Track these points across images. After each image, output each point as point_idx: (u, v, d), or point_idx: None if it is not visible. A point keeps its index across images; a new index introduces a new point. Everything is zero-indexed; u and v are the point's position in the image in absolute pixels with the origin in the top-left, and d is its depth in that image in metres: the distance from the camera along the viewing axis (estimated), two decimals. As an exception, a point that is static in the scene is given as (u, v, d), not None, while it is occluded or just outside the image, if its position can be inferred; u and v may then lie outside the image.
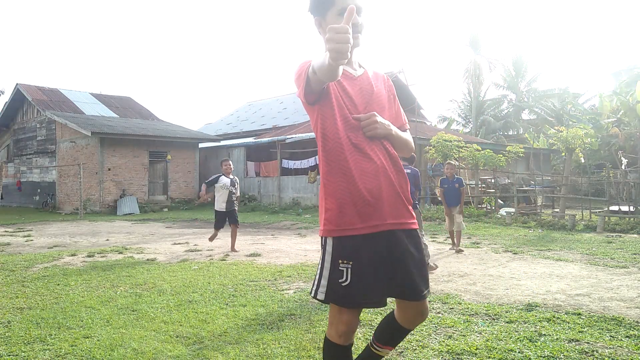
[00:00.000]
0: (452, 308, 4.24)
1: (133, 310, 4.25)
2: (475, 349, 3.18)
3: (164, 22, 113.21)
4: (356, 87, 2.03)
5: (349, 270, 1.91)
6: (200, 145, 23.40)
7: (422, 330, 3.60)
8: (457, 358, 3.06)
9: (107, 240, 10.06)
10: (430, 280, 5.89)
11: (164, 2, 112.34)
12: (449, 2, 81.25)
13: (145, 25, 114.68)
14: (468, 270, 6.19)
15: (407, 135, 2.15)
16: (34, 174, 24.35)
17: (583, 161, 23.54)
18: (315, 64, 1.78)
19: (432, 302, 4.43)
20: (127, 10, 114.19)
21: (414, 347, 3.24)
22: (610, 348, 3.18)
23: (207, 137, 23.77)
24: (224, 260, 7.15)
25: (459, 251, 7.97)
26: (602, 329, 3.59)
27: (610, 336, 3.43)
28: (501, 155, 16.48)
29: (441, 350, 3.17)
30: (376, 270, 1.93)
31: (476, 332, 3.56)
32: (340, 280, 1.91)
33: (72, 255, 7.71)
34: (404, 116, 2.22)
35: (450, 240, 8.54)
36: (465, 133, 31.90)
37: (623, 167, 16.78)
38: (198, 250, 8.24)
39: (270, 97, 33.92)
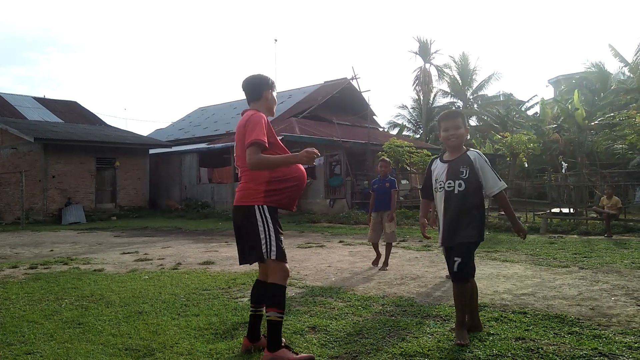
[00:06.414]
0: (405, 310, 4.31)
1: (79, 324, 4.07)
2: (428, 350, 3.24)
3: (112, 24, 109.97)
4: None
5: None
6: (151, 151, 22.82)
7: (376, 333, 3.64)
8: (410, 360, 3.11)
9: (51, 250, 9.62)
10: (383, 284, 5.87)
11: (115, 3, 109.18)
12: (400, 10, 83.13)
13: (92, 26, 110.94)
14: (420, 272, 6.32)
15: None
16: (-30, 182, 22.98)
17: (526, 165, 24.57)
18: (283, 161, 3.13)
19: (385, 305, 4.50)
20: (74, 11, 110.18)
21: (368, 351, 3.27)
22: (554, 345, 3.32)
23: (158, 142, 23.21)
24: (176, 269, 6.98)
25: (384, 268, 6.55)
26: (547, 327, 3.74)
27: (554, 333, 3.58)
28: (451, 161, 16.91)
29: (395, 353, 3.21)
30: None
31: (428, 333, 3.63)
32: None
33: (13, 267, 7.32)
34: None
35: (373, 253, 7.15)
36: (416, 139, 32.61)
37: (563, 171, 17.63)
38: (148, 260, 8.00)
39: (224, 102, 33.54)
